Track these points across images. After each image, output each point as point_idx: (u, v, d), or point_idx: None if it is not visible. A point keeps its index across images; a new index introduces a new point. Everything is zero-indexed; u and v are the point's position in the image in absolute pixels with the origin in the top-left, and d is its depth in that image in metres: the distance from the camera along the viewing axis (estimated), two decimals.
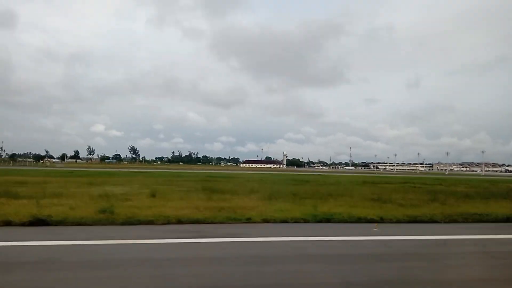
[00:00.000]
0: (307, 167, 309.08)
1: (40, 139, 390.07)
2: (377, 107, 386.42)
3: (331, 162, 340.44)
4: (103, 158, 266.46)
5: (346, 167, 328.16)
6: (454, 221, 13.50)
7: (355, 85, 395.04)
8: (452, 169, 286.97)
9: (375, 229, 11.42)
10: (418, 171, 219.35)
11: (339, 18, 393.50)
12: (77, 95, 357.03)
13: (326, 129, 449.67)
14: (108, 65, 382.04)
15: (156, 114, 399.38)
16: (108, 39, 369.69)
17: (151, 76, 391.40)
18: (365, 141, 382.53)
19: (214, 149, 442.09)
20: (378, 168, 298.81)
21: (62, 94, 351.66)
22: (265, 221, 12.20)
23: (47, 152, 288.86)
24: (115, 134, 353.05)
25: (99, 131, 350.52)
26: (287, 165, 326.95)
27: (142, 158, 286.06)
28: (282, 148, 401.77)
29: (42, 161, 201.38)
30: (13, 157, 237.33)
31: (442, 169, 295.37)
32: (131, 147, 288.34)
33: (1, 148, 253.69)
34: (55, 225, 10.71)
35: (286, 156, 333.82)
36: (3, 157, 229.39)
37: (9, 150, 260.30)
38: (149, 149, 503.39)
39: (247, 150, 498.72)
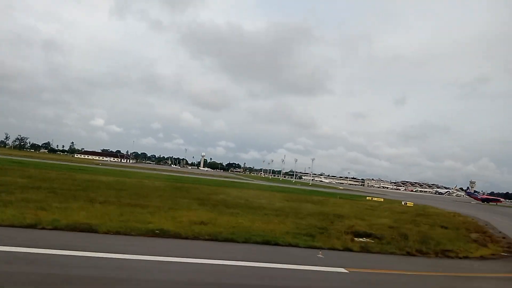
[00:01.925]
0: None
1: (33, 127, 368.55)
2: (366, 122, 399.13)
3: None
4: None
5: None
6: None
7: (339, 97, 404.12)
8: (376, 186, 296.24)
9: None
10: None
11: (310, 23, 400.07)
12: (65, 85, 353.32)
13: (323, 142, 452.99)
14: (89, 57, 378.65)
15: (149, 111, 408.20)
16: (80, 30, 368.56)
17: (133, 71, 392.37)
18: (368, 158, 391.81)
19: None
20: (301, 178, 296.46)
21: (50, 83, 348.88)
22: None
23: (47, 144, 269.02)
24: (116, 129, 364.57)
25: (99, 125, 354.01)
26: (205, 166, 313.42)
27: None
28: (282, 158, 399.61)
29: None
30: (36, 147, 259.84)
31: (369, 185, 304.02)
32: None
33: (7, 136, 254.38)
34: None
35: (204, 157, 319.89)
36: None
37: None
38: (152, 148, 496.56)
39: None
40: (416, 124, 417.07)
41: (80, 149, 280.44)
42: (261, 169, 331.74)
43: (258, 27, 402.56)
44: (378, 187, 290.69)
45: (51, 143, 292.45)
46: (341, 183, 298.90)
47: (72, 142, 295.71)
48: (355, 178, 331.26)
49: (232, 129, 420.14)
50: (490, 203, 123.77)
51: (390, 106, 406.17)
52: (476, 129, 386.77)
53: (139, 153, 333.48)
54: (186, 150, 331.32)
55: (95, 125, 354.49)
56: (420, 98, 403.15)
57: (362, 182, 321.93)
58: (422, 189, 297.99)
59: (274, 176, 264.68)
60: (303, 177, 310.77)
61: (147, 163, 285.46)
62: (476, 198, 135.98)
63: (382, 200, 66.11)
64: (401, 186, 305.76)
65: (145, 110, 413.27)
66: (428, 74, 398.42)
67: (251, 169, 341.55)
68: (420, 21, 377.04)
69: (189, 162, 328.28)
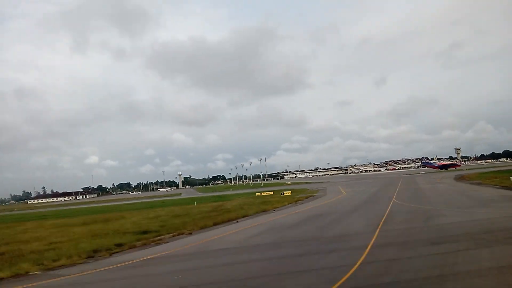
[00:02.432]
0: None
1: (31, 177, 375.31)
2: (353, 109, 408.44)
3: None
4: None
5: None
6: None
7: (320, 89, 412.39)
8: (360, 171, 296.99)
9: None
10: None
11: (271, 23, 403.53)
12: (48, 130, 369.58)
13: (317, 136, 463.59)
14: (64, 97, 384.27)
15: (138, 139, 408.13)
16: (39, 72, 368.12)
17: (111, 103, 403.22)
18: (366, 143, 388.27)
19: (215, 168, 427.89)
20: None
21: (34, 130, 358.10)
22: None
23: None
24: (111, 163, 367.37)
25: (93, 163, 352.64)
26: (184, 184, 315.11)
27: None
28: (283, 160, 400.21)
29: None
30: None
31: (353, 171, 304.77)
32: None
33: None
34: None
35: (181, 176, 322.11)
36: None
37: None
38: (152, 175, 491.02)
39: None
40: (403, 101, 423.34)
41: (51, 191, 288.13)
42: (257, 175, 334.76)
43: (221, 36, 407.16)
44: (360, 172, 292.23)
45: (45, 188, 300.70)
46: (322, 175, 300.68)
47: (43, 187, 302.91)
48: (338, 167, 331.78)
49: (225, 141, 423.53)
50: (448, 169, 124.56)
51: (373, 88, 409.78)
52: (464, 96, 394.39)
53: (125, 183, 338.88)
54: (164, 172, 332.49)
55: (90, 163, 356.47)
56: (400, 75, 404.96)
57: (345, 170, 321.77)
58: (405, 166, 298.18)
59: (256, 181, 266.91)
60: (285, 176, 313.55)
61: (120, 193, 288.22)
62: (433, 167, 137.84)
63: (272, 193, 71.40)
64: (383, 167, 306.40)
65: (134, 138, 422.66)
66: (402, 51, 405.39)
67: (240, 178, 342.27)
68: (384, 2, 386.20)
69: (165, 184, 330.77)
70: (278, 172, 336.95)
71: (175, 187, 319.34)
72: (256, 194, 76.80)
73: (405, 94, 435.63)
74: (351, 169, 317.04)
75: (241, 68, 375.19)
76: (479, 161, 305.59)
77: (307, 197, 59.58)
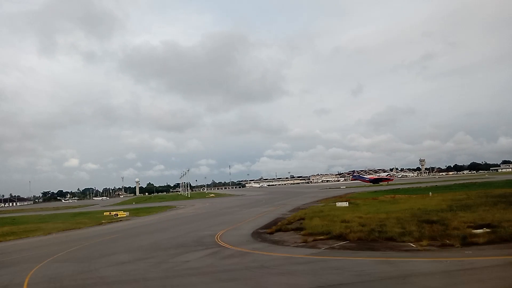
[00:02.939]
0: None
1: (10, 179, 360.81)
2: (331, 118, 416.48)
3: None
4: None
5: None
6: None
7: (298, 97, 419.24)
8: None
9: None
10: None
11: (243, 29, 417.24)
12: (23, 132, 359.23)
13: (299, 143, 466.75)
14: (37, 100, 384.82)
15: (118, 143, 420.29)
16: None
17: (85, 106, 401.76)
18: (349, 151, 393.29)
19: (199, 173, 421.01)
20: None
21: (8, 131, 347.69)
22: None
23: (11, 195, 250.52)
24: (92, 167, 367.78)
25: (74, 166, 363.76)
26: (141, 191, 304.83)
27: None
28: (269, 166, 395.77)
29: None
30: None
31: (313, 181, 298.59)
32: None
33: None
34: None
35: (139, 183, 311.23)
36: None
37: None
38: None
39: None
40: (381, 110, 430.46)
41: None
42: (220, 182, 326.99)
43: (194, 42, 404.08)
44: (321, 182, 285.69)
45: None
46: (284, 184, 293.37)
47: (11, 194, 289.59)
48: (301, 177, 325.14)
49: (206, 147, 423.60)
50: (380, 183, 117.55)
51: (351, 97, 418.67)
52: (440, 107, 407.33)
53: (89, 188, 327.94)
54: (123, 178, 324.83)
55: (71, 166, 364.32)
56: (377, 85, 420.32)
57: (308, 180, 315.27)
58: (364, 176, 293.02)
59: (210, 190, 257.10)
60: (246, 185, 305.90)
61: (73, 199, 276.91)
62: (364, 181, 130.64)
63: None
64: (344, 177, 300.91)
65: (114, 142, 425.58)
66: (378, 62, 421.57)
67: (199, 186, 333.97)
68: (357, 14, 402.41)
69: (123, 190, 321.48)
70: (241, 181, 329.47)
71: (134, 194, 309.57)
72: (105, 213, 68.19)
73: (384, 104, 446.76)
74: (313, 179, 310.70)
75: (216, 74, 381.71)
76: (440, 174, 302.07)
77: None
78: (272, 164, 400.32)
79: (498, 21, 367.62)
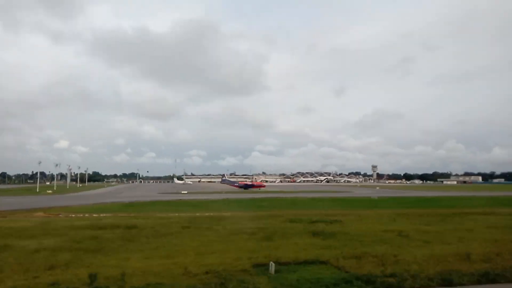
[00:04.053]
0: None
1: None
2: (317, 117, 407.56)
3: None
4: None
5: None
6: None
7: (280, 93, 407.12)
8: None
9: None
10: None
11: (214, 17, 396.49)
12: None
13: (289, 140, 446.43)
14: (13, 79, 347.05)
15: (104, 127, 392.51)
16: None
17: (64, 88, 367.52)
18: (341, 152, 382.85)
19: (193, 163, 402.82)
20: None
21: None
22: None
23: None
24: (82, 150, 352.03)
25: (64, 147, 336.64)
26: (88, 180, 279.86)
27: None
28: (260, 161, 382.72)
29: None
30: None
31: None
32: None
33: None
34: None
35: (71, 169, 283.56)
36: None
37: None
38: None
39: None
40: (369, 112, 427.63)
41: None
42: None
43: (164, 28, 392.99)
44: (300, 182, 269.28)
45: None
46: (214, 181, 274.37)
47: None
48: (245, 175, 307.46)
49: (196, 137, 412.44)
50: (249, 189, 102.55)
51: (336, 98, 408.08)
52: (429, 113, 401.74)
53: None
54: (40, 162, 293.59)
55: (60, 147, 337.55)
56: (362, 87, 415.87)
57: (251, 178, 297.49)
58: (306, 179, 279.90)
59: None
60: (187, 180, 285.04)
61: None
62: (233, 185, 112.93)
63: None
64: (288, 178, 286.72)
65: (99, 126, 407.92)
66: (358, 63, 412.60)
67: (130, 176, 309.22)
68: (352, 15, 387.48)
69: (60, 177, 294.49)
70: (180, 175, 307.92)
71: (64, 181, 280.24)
72: None
73: (371, 107, 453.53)
74: (255, 178, 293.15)
75: (191, 63, 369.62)
76: (389, 181, 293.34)
77: None
78: (264, 160, 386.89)
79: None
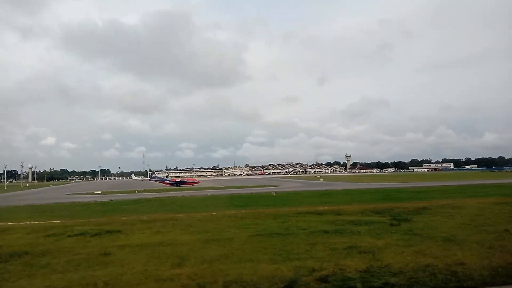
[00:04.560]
0: None
1: None
2: (303, 106, 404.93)
3: None
4: None
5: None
6: None
7: (262, 83, 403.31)
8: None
9: None
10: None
11: (186, 8, 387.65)
12: None
13: (278, 131, 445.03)
14: None
15: (88, 123, 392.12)
16: None
17: (40, 83, 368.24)
18: (332, 141, 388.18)
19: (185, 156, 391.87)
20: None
21: None
22: None
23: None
24: (70, 146, 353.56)
25: (51, 144, 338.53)
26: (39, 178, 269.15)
27: None
28: (253, 152, 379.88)
29: None
30: None
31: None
32: None
33: None
34: None
35: (31, 167, 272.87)
36: None
37: None
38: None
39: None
40: (355, 101, 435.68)
41: None
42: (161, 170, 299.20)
43: (135, 19, 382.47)
44: (229, 175, 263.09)
45: None
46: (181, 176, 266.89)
47: None
48: (215, 168, 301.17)
49: (184, 130, 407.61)
50: (182, 185, 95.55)
51: (318, 87, 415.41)
52: (415, 99, 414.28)
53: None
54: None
55: (48, 144, 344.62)
56: (345, 76, 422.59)
57: (219, 171, 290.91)
58: (274, 171, 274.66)
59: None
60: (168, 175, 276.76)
61: None
62: (164, 183, 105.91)
63: None
64: (258, 171, 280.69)
65: (83, 122, 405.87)
66: (339, 52, 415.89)
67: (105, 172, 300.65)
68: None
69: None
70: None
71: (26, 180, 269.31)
72: None
73: (356, 95, 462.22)
74: (224, 171, 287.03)
75: (167, 55, 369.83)
76: (363, 170, 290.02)
77: None
78: (256, 151, 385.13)
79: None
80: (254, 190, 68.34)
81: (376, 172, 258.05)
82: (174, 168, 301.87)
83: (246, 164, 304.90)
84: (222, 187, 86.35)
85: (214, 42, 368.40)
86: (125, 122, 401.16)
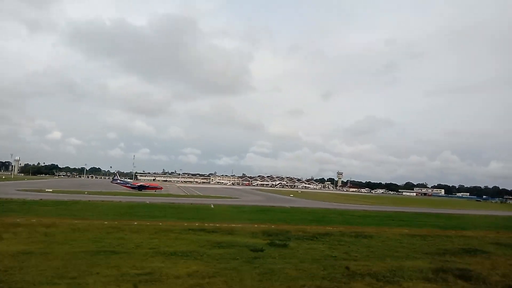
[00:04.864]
0: None
1: None
2: (307, 120, 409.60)
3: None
4: None
5: None
6: None
7: (267, 94, 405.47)
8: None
9: None
10: None
11: (194, 13, 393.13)
12: None
13: (281, 143, 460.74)
14: None
15: (93, 121, 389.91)
16: None
17: (46, 78, 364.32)
18: (336, 157, 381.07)
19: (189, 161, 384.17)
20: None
21: None
22: None
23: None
24: (76, 142, 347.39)
25: (56, 139, 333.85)
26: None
27: None
28: (256, 163, 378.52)
29: None
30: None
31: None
32: None
33: None
34: None
35: (18, 160, 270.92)
36: None
37: None
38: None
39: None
40: (361, 119, 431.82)
41: None
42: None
43: (142, 20, 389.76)
44: (217, 183, 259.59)
45: None
46: (165, 180, 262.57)
47: None
48: (203, 175, 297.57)
49: (188, 135, 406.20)
50: (144, 190, 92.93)
51: (322, 103, 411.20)
52: (421, 122, 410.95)
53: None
54: None
55: (53, 138, 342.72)
56: (351, 93, 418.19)
57: (207, 178, 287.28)
58: (262, 182, 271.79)
59: None
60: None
61: None
62: (126, 186, 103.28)
63: None
64: (246, 181, 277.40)
65: (88, 120, 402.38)
66: (345, 68, 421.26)
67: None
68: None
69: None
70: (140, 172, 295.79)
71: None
72: None
73: (363, 113, 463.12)
74: (212, 179, 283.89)
75: (173, 59, 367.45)
76: (352, 189, 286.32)
77: None
78: (259, 161, 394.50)
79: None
80: (203, 201, 65.58)
81: (363, 192, 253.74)
82: (161, 172, 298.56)
83: (243, 174, 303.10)
84: (180, 195, 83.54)
85: (220, 49, 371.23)
86: (130, 123, 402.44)
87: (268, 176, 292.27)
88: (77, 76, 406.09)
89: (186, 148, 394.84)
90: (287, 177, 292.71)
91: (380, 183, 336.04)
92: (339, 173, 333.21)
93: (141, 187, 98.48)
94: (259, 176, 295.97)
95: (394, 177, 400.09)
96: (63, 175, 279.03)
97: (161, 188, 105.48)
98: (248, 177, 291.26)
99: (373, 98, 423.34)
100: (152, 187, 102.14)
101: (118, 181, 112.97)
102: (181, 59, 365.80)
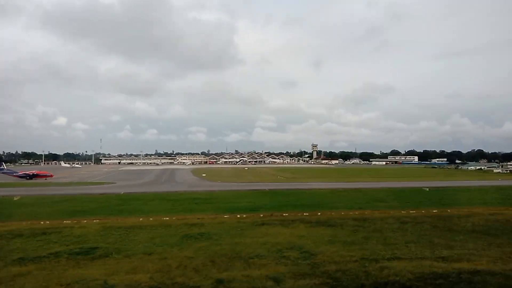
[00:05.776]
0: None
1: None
2: (301, 91, 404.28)
3: None
4: None
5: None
6: None
7: (256, 67, 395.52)
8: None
9: None
10: None
11: None
12: None
13: (285, 116, 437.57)
14: None
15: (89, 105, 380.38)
16: None
17: (28, 63, 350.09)
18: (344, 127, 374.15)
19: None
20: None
21: None
22: None
23: None
24: (82, 127, 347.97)
25: (62, 125, 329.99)
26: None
27: None
28: (263, 137, 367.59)
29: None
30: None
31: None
32: None
33: None
34: None
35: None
36: None
37: None
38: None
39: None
40: (359, 87, 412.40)
41: None
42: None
43: None
44: (177, 164, 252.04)
45: None
46: (131, 163, 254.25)
47: None
48: (169, 154, 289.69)
49: (190, 114, 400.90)
50: (34, 179, 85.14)
51: (315, 73, 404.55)
52: (418, 85, 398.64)
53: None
54: None
55: (59, 125, 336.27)
56: (344, 61, 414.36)
57: (173, 159, 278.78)
58: (227, 160, 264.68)
59: None
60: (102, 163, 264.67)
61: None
62: (12, 175, 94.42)
63: None
64: (213, 159, 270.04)
65: (83, 103, 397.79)
66: (330, 37, 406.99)
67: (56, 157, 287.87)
68: None
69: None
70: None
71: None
72: None
73: (360, 81, 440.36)
74: (179, 158, 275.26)
75: (151, 36, 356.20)
76: (325, 161, 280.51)
77: None
78: (268, 136, 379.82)
79: None
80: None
81: (329, 164, 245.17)
82: (126, 155, 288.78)
83: (235, 150, 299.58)
84: (64, 184, 76.47)
85: (199, 23, 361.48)
86: (131, 104, 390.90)
87: (237, 153, 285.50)
88: (61, 59, 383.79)
89: (192, 127, 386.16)
90: (256, 153, 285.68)
91: (355, 153, 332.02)
92: (314, 145, 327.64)
93: (32, 176, 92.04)
94: (228, 153, 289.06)
95: (406, 144, 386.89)
96: (24, 163, 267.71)
97: (52, 175, 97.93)
98: (214, 154, 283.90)
99: (371, 65, 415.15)
100: (42, 176, 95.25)
101: (5, 171, 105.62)
102: (159, 36, 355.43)
